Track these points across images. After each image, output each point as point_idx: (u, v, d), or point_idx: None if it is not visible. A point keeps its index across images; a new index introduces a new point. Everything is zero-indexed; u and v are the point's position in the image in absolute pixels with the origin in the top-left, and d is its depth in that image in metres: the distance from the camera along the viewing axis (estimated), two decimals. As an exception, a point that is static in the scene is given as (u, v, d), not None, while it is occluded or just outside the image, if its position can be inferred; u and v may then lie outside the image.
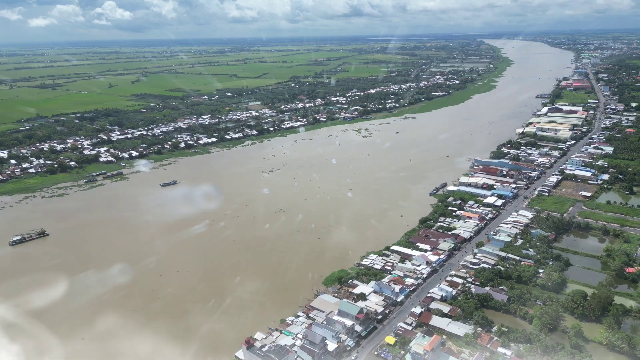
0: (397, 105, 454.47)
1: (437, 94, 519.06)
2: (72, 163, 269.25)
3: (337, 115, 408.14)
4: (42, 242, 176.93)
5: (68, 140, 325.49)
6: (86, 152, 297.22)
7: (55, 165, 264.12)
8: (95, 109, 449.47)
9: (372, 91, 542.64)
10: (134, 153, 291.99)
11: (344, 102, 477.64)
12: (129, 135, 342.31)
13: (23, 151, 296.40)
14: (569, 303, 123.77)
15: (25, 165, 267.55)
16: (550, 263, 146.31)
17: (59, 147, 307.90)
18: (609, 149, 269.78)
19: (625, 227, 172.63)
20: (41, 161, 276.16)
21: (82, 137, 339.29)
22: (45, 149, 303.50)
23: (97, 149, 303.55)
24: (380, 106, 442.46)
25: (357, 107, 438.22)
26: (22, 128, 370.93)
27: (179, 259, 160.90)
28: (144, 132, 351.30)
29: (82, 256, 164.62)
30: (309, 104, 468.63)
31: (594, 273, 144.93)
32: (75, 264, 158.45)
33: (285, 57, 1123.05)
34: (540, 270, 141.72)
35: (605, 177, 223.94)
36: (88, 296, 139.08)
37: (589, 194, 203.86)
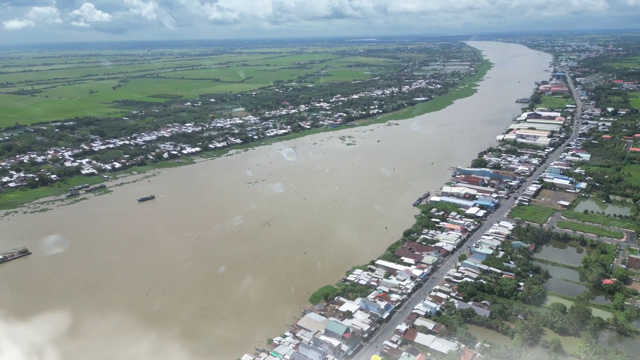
0: (381, 111, 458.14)
1: (419, 99, 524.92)
2: (53, 176, 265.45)
3: (321, 122, 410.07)
4: (25, 262, 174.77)
5: (49, 152, 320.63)
6: (67, 163, 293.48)
7: (36, 179, 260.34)
8: (76, 117, 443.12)
9: (355, 96, 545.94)
10: (117, 165, 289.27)
11: (327, 108, 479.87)
12: (111, 145, 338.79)
13: (2, 164, 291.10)
14: (549, 317, 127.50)
15: (5, 179, 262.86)
16: (531, 275, 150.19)
17: (40, 159, 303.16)
18: (586, 156, 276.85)
19: (602, 237, 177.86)
20: (21, 174, 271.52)
21: (63, 147, 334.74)
22: (25, 161, 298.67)
23: (78, 161, 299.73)
24: (363, 112, 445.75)
25: (341, 113, 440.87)
26: (0, 138, 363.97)
27: (163, 277, 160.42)
28: (127, 142, 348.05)
29: (64, 276, 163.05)
30: (293, 110, 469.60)
31: (573, 285, 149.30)
32: (58, 285, 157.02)
33: (268, 60, 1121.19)
34: (521, 284, 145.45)
35: (583, 185, 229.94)
36: (68, 318, 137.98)
37: (567, 203, 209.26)
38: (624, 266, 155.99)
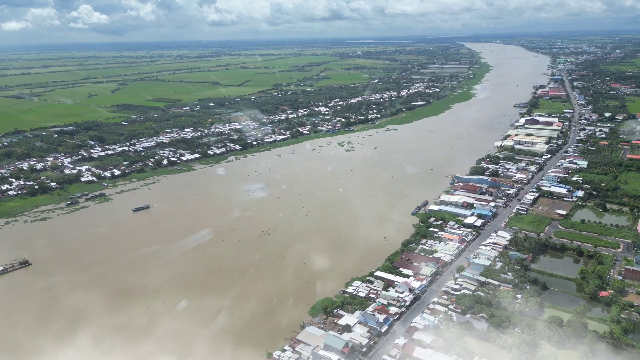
0: (379, 116, 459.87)
1: (418, 103, 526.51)
2: (52, 184, 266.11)
3: (320, 128, 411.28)
4: (25, 273, 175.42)
5: (48, 158, 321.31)
6: (67, 171, 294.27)
7: (36, 187, 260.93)
8: (75, 122, 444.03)
9: (353, 100, 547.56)
10: (116, 172, 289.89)
11: (326, 112, 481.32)
12: (110, 152, 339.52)
13: (2, 171, 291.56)
14: (546, 330, 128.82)
15: (5, 186, 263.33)
16: (528, 287, 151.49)
17: (39, 166, 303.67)
18: (584, 163, 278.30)
19: (598, 247, 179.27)
20: (21, 182, 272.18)
21: (62, 153, 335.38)
22: (24, 168, 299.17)
23: (78, 168, 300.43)
24: (362, 117, 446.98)
25: (340, 118, 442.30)
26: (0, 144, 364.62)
27: (164, 288, 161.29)
28: (126, 148, 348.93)
29: (64, 289, 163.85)
30: (292, 115, 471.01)
31: (570, 296, 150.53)
32: (58, 299, 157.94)
33: (267, 63, 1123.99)
34: (519, 296, 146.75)
35: (580, 193, 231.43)
36: (65, 334, 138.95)
37: (564, 212, 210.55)
38: (620, 277, 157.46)
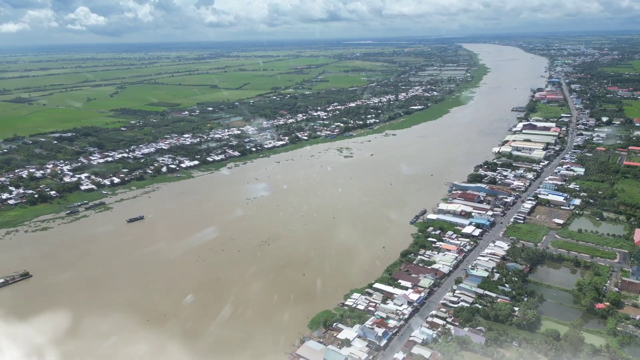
0: (377, 120, 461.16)
1: (416, 107, 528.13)
2: (52, 192, 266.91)
3: (318, 133, 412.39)
4: (26, 285, 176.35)
5: (47, 166, 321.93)
6: (66, 178, 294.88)
7: (36, 195, 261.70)
8: (74, 128, 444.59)
9: (352, 105, 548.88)
10: (116, 180, 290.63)
11: (325, 117, 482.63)
12: (109, 159, 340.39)
13: (1, 179, 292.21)
14: (542, 345, 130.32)
15: (4, 195, 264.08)
16: (525, 299, 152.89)
17: (39, 174, 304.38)
18: (581, 170, 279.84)
19: (595, 257, 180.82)
20: (21, 190, 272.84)
21: (61, 160, 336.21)
22: (24, 175, 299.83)
23: (77, 175, 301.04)
24: (360, 122, 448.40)
25: (338, 123, 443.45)
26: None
27: (161, 299, 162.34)
28: (125, 155, 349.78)
29: (64, 304, 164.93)
30: (290, 120, 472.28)
31: (567, 308, 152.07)
32: (58, 313, 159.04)
33: (266, 65, 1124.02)
34: (516, 308, 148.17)
35: (577, 202, 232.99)
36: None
37: (561, 222, 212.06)
38: (616, 289, 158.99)
